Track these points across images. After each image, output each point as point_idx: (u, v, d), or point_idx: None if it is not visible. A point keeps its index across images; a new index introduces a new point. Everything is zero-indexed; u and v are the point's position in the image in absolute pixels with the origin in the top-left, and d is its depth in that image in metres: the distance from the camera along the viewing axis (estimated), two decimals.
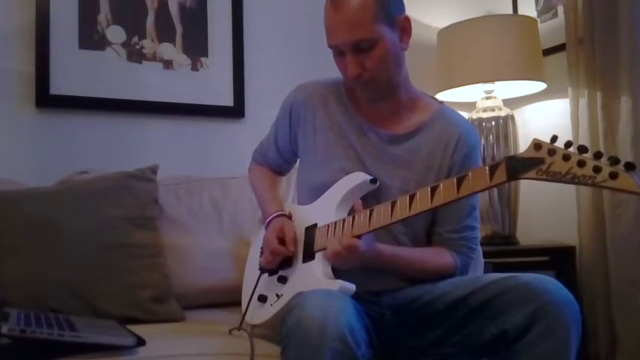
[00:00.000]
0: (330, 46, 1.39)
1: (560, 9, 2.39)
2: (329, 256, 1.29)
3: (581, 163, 1.00)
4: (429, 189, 1.19)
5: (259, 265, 1.51)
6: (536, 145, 1.06)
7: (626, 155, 2.05)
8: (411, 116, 1.47)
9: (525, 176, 1.07)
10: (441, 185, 1.18)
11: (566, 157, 1.02)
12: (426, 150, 1.44)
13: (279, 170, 1.70)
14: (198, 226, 1.96)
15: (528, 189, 2.39)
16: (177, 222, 1.95)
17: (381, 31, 1.34)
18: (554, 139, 1.05)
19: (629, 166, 0.97)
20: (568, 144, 1.03)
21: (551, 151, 1.04)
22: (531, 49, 2.33)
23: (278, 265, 1.43)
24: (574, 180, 1.01)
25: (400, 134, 1.46)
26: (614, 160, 0.99)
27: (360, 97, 1.46)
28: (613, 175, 0.97)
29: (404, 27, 1.40)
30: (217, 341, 1.40)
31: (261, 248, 1.52)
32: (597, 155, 1.00)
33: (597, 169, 0.99)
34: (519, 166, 1.07)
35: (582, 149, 1.01)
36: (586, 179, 1.00)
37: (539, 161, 1.05)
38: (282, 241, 1.42)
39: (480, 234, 1.50)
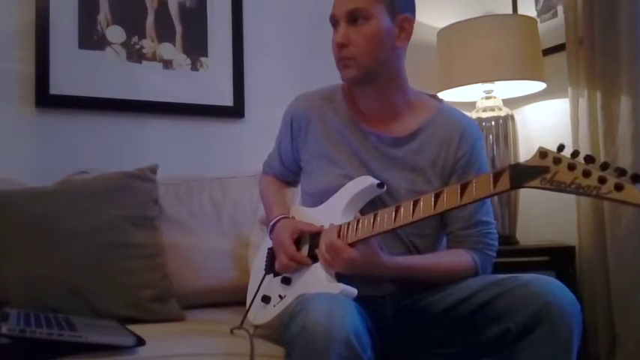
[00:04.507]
0: (330, 18, 1.41)
1: (560, 9, 2.39)
2: (319, 259, 1.33)
3: (587, 174, 0.97)
4: (433, 195, 1.19)
5: (267, 268, 1.50)
6: (542, 153, 1.03)
7: (625, 155, 2.04)
8: (411, 117, 1.47)
9: (529, 185, 1.05)
10: (445, 192, 1.17)
11: (572, 167, 0.99)
12: (429, 149, 1.44)
13: (287, 181, 1.69)
14: (198, 226, 1.96)
15: (528, 189, 2.39)
16: (177, 222, 1.95)
17: (378, 10, 1.36)
18: (560, 148, 1.02)
19: (636, 178, 0.94)
20: (575, 153, 1.01)
21: (557, 160, 1.01)
22: (531, 49, 2.32)
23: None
24: (578, 190, 0.98)
25: (402, 136, 1.45)
26: (620, 172, 0.96)
27: (355, 93, 1.46)
28: (618, 187, 0.94)
29: (403, 25, 1.40)
30: (217, 341, 1.40)
31: (269, 250, 1.52)
32: (604, 166, 0.97)
33: (602, 180, 0.96)
34: (523, 175, 1.06)
35: (589, 159, 0.99)
36: (590, 190, 0.97)
37: (543, 170, 1.02)
38: (297, 242, 1.41)
39: (496, 230, 1.46)
